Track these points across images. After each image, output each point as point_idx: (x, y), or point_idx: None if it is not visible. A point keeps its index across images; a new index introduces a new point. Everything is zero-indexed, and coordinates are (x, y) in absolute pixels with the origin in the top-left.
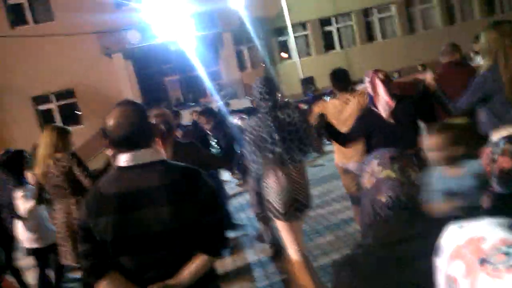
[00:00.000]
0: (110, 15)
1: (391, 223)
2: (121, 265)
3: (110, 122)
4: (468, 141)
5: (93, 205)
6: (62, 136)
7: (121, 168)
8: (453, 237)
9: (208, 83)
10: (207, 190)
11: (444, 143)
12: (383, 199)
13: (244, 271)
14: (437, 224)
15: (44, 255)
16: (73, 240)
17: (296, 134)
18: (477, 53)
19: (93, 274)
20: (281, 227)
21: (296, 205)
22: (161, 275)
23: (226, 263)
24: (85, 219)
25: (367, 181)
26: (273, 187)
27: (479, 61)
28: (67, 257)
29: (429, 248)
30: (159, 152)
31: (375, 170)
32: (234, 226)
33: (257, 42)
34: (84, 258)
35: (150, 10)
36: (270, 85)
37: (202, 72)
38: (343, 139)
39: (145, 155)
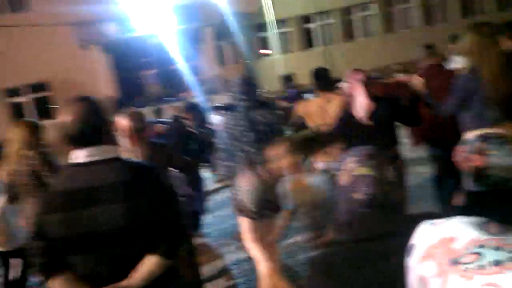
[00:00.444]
0: (88, 7)
1: (366, 220)
2: (73, 264)
3: (65, 118)
4: (308, 150)
5: (45, 202)
6: (33, 131)
7: (75, 165)
8: (425, 236)
9: (187, 78)
10: (161, 188)
11: (282, 153)
12: (359, 196)
13: (222, 271)
14: (412, 222)
15: (7, 259)
16: None
17: (270, 135)
18: (454, 53)
19: (45, 272)
20: (247, 227)
21: (267, 205)
22: (113, 275)
23: (204, 264)
24: (38, 215)
25: (343, 179)
26: (243, 186)
27: (458, 62)
28: None
29: (403, 246)
30: (114, 149)
31: (352, 167)
32: (196, 227)
33: (238, 38)
34: (36, 256)
35: (129, 2)
36: (248, 84)
37: (181, 67)
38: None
39: (99, 152)
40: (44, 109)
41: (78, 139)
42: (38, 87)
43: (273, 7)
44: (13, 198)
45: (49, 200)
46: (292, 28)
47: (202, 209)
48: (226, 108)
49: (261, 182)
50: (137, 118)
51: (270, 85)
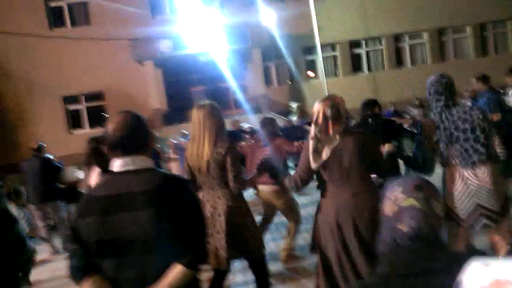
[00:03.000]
0: (144, 24)
1: (410, 253)
2: (103, 268)
3: (109, 126)
4: None
5: (82, 206)
6: None
7: (112, 173)
8: (477, 276)
9: (234, 96)
10: (189, 199)
11: None
12: (404, 228)
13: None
14: (459, 260)
15: None
16: None
17: (472, 133)
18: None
19: (78, 274)
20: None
21: (482, 211)
22: (140, 281)
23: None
24: (75, 219)
25: (388, 208)
26: (456, 190)
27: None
28: None
29: (448, 284)
30: (148, 160)
31: (398, 197)
32: None
33: (286, 59)
34: (71, 258)
35: (183, 21)
36: (450, 83)
37: (228, 85)
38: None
39: (135, 162)
40: (98, 117)
41: (115, 149)
42: (94, 96)
43: (322, 31)
44: None
45: (84, 205)
46: (340, 53)
47: None
48: (250, 132)
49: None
50: (334, 104)
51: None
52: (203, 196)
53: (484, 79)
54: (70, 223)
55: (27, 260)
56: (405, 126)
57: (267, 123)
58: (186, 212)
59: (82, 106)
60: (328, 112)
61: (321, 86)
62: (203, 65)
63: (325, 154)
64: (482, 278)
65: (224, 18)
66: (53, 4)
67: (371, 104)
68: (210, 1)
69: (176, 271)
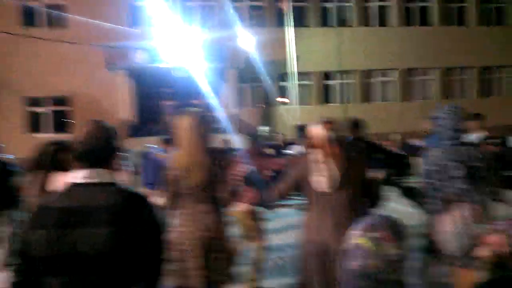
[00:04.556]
0: (121, 34)
1: None
2: (49, 286)
3: (78, 135)
4: None
5: (34, 218)
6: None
7: (74, 184)
8: None
9: (206, 114)
10: (150, 221)
11: None
12: (353, 266)
13: None
14: None
15: None
16: None
17: (479, 172)
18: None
19: None
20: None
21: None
22: None
23: None
24: (24, 231)
25: (346, 243)
26: (449, 227)
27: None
28: None
29: None
30: (113, 174)
31: (355, 234)
32: None
33: (260, 83)
34: (14, 274)
35: (161, 34)
36: (460, 116)
37: (201, 102)
38: None
39: (100, 175)
40: (63, 122)
41: (82, 159)
42: (60, 100)
43: (299, 60)
44: None
45: (38, 216)
46: (314, 82)
47: None
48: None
49: (469, 224)
50: (335, 128)
51: (284, 133)
52: (182, 211)
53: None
54: (18, 236)
55: None
56: (392, 150)
57: (253, 141)
58: (146, 234)
59: (46, 110)
60: (331, 135)
61: (293, 112)
62: (177, 80)
63: (334, 179)
64: None
65: (203, 36)
66: (30, 3)
67: (358, 125)
68: (190, 17)
69: None
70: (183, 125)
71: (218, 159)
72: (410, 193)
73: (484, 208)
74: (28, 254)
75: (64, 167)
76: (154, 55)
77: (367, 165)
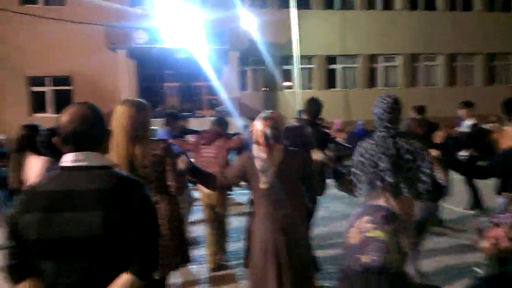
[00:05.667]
0: (122, 13)
1: (368, 286)
2: (42, 271)
3: (64, 117)
4: None
5: (24, 201)
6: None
7: (63, 168)
8: None
9: (206, 96)
10: (143, 204)
11: None
12: (367, 259)
13: None
14: None
15: None
16: None
17: (413, 164)
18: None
19: (13, 275)
20: None
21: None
22: (80, 287)
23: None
24: (14, 214)
25: (352, 237)
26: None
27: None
28: None
29: None
30: (105, 157)
31: (365, 227)
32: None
33: (262, 66)
34: (7, 256)
35: (163, 14)
36: (396, 108)
37: (202, 84)
38: None
39: (89, 158)
40: (64, 102)
41: (68, 142)
42: (61, 80)
43: (301, 43)
44: None
45: (26, 200)
46: (316, 66)
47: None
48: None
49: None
50: (274, 125)
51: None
52: None
53: (419, 110)
54: (8, 220)
55: None
56: (339, 140)
57: (216, 122)
58: (138, 217)
59: (47, 89)
60: (269, 132)
61: (295, 96)
62: (179, 61)
63: (271, 174)
64: None
65: (204, 17)
66: None
67: (315, 109)
68: None
69: (125, 280)
70: (116, 114)
71: (166, 148)
72: (341, 180)
73: (411, 201)
74: (20, 237)
75: (38, 150)
76: (156, 36)
77: (309, 157)
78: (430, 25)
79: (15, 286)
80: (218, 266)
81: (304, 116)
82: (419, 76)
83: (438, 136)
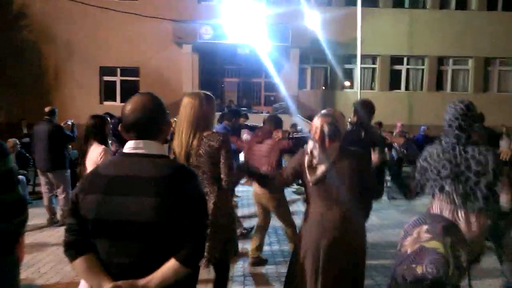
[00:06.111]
0: (189, 8)
1: None
2: (98, 249)
3: (127, 106)
4: None
5: (86, 182)
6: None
7: (124, 154)
8: None
9: (265, 92)
10: (195, 193)
11: None
12: (422, 271)
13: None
14: None
15: None
16: None
17: (482, 176)
18: None
19: (72, 249)
20: None
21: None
22: (131, 269)
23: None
24: (77, 193)
25: (408, 245)
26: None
27: None
28: None
29: None
30: (162, 147)
31: (423, 236)
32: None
33: (323, 64)
34: (67, 232)
35: (228, 10)
36: (469, 115)
37: (262, 81)
38: None
39: (148, 146)
40: (130, 92)
41: (130, 130)
42: (129, 71)
43: (365, 42)
44: None
45: (88, 181)
46: (379, 66)
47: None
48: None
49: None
50: (332, 122)
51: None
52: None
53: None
54: (71, 197)
55: (25, 221)
56: (395, 145)
57: (270, 121)
58: (190, 206)
59: (117, 79)
60: (326, 129)
61: (355, 97)
62: (241, 57)
63: (320, 171)
64: None
65: (268, 13)
66: None
67: (370, 109)
68: None
69: (171, 266)
70: (182, 105)
71: (223, 141)
72: (400, 183)
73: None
74: (80, 216)
75: (100, 139)
76: (220, 32)
77: (367, 157)
78: (505, 27)
79: (72, 260)
80: (259, 261)
81: (354, 118)
82: (492, 81)
83: (505, 153)
